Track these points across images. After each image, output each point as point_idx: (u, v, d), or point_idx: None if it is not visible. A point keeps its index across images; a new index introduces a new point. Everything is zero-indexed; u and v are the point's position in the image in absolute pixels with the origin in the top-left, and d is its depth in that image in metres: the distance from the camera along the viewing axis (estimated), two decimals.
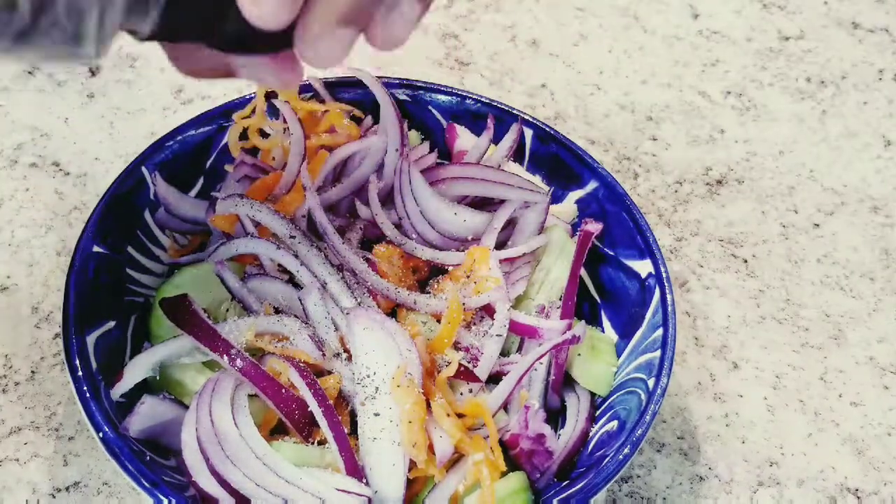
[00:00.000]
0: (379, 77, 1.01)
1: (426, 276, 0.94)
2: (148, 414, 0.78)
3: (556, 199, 1.02)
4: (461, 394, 0.83)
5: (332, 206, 0.96)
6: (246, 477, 0.73)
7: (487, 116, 1.01)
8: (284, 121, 0.99)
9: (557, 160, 1.01)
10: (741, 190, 1.25)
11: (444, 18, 1.46)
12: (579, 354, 0.89)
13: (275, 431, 0.81)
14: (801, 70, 1.43)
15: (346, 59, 0.59)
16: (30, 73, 1.31)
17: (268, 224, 0.87)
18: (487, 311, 0.88)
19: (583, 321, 0.86)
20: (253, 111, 1.02)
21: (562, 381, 0.88)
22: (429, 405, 0.78)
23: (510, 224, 0.95)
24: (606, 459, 0.78)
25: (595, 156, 1.25)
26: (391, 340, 0.79)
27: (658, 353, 0.84)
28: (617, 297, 0.95)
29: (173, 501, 0.72)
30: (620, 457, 0.77)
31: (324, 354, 0.82)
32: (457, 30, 1.45)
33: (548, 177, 1.03)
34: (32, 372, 0.99)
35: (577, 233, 0.94)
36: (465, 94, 1.04)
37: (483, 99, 1.03)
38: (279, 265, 0.88)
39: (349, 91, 1.05)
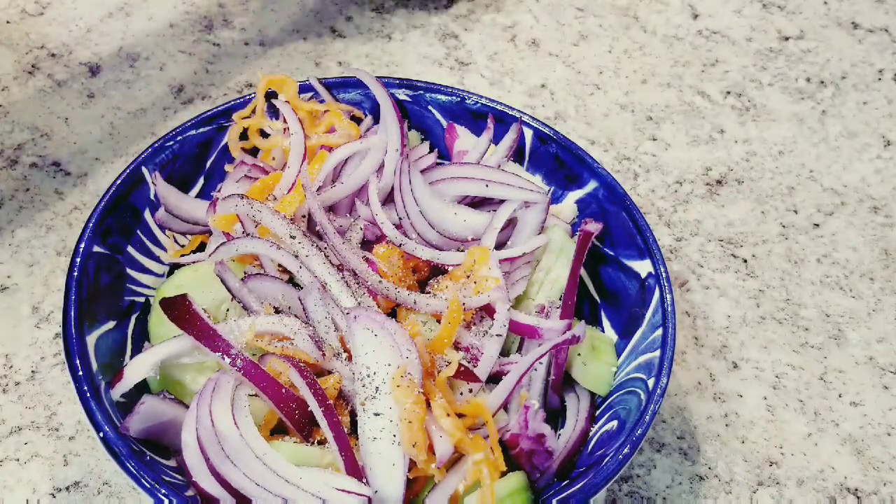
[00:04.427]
0: (379, 77, 1.01)
1: (426, 276, 0.94)
2: (148, 414, 0.78)
3: (556, 199, 1.02)
4: (461, 394, 0.83)
5: (332, 206, 0.96)
6: (246, 477, 0.73)
7: (487, 116, 1.01)
8: (284, 121, 0.99)
9: (557, 160, 1.01)
10: (741, 190, 1.25)
11: (444, 18, 1.46)
12: (579, 354, 0.89)
13: (275, 431, 0.81)
14: (800, 70, 1.43)
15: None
16: (30, 73, 1.32)
17: (268, 224, 0.87)
18: (487, 311, 0.88)
19: (583, 321, 0.86)
20: (253, 111, 1.02)
21: (562, 381, 0.88)
22: (429, 405, 0.78)
23: (510, 224, 0.95)
24: (606, 459, 0.78)
25: (595, 156, 1.25)
26: (391, 340, 0.79)
27: (658, 352, 0.84)
28: (617, 297, 0.95)
29: (173, 501, 0.72)
30: (620, 456, 0.77)
31: (324, 354, 0.82)
32: (457, 30, 1.45)
33: (548, 177, 1.03)
34: (32, 372, 0.99)
35: (577, 233, 0.94)
36: (465, 94, 1.04)
37: (483, 99, 1.03)
38: (279, 265, 0.88)
39: (349, 91, 1.05)
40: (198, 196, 1.01)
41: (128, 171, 0.94)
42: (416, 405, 0.76)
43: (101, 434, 0.75)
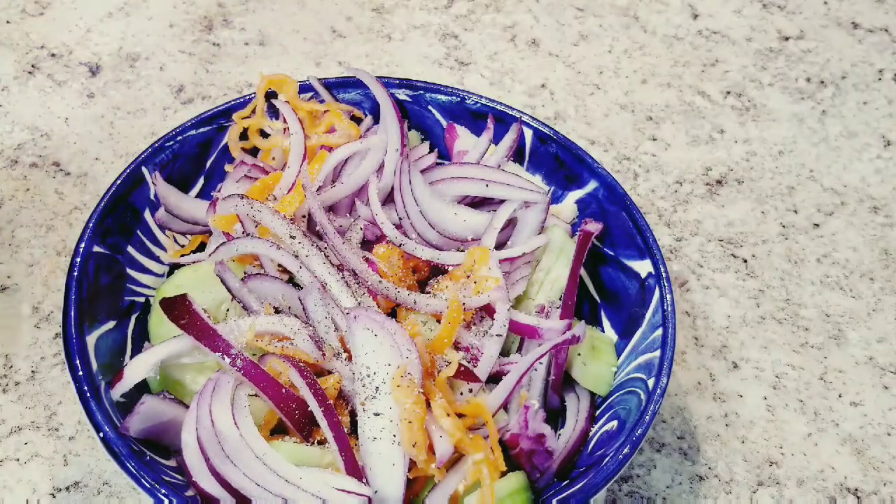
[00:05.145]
0: (379, 77, 1.01)
1: (426, 276, 0.94)
2: (148, 414, 0.78)
3: (556, 199, 1.02)
4: (461, 394, 0.83)
5: (332, 206, 0.96)
6: (246, 477, 0.73)
7: (487, 116, 1.01)
8: (284, 121, 0.99)
9: (557, 160, 1.01)
10: (741, 190, 1.25)
11: (444, 18, 1.46)
12: (579, 354, 0.89)
13: (275, 431, 0.81)
14: (801, 70, 1.43)
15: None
16: (30, 73, 1.31)
17: (268, 224, 0.87)
18: (487, 311, 0.88)
19: (583, 321, 0.86)
20: (253, 111, 1.02)
21: (562, 381, 0.88)
22: (429, 405, 0.78)
23: (510, 224, 0.95)
24: (606, 459, 0.78)
25: (595, 156, 1.25)
26: (391, 340, 0.79)
27: (658, 352, 0.84)
28: (617, 297, 0.95)
29: (173, 501, 0.72)
30: (620, 456, 0.77)
31: (324, 354, 0.82)
32: (457, 30, 1.45)
33: (548, 177, 1.03)
34: (32, 372, 0.99)
35: (577, 233, 0.94)
36: (465, 94, 1.04)
37: (483, 99, 1.03)
38: (279, 265, 0.88)
39: (349, 91, 1.05)
40: (198, 196, 1.01)
41: (128, 171, 0.94)
42: (416, 405, 0.76)
43: (101, 434, 0.75)
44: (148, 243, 0.96)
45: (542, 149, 1.02)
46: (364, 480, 0.75)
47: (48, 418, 0.96)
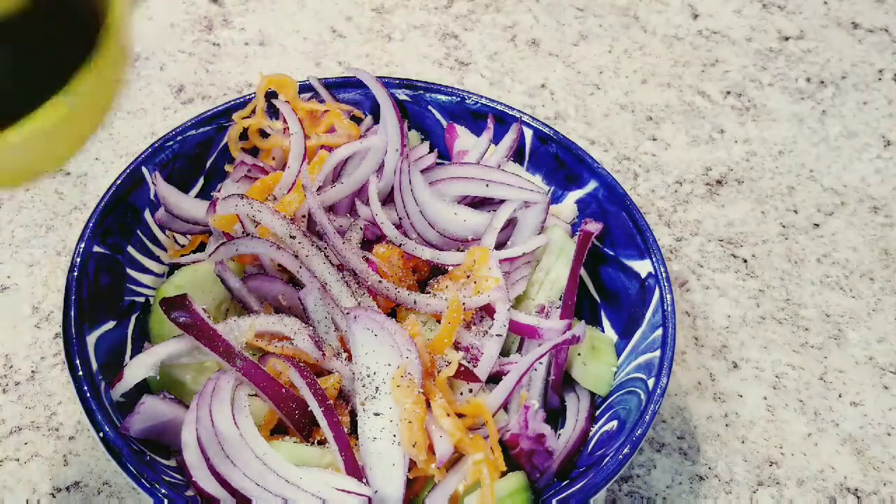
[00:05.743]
0: (379, 77, 1.01)
1: (426, 276, 0.94)
2: (148, 414, 0.78)
3: (556, 199, 1.02)
4: (461, 394, 0.83)
5: (332, 206, 0.96)
6: (246, 477, 0.73)
7: (487, 116, 1.01)
8: (284, 121, 0.99)
9: (557, 160, 1.01)
10: (741, 190, 1.25)
11: (444, 18, 1.46)
12: (579, 354, 0.89)
13: (275, 431, 0.81)
14: (800, 70, 1.43)
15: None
16: None
17: (268, 224, 0.87)
18: (487, 311, 0.88)
19: (583, 321, 0.86)
20: (253, 111, 1.02)
21: (562, 381, 0.88)
22: (429, 405, 0.78)
23: (510, 224, 0.95)
24: (606, 459, 0.78)
25: (595, 156, 1.25)
26: (391, 340, 0.79)
27: (658, 352, 0.84)
28: (617, 297, 0.95)
29: (174, 501, 0.72)
30: (620, 456, 0.77)
31: (324, 354, 0.82)
32: (457, 30, 1.45)
33: (548, 177, 1.03)
34: (32, 372, 0.99)
35: (577, 233, 0.94)
36: (465, 94, 1.04)
37: (483, 99, 1.03)
38: (279, 265, 0.88)
39: (349, 91, 1.05)
40: (198, 196, 1.01)
41: (128, 171, 0.94)
42: (416, 405, 0.76)
43: (101, 434, 0.75)
44: (148, 243, 0.96)
45: (542, 149, 1.02)
46: (364, 480, 0.75)
47: (48, 418, 0.96)
